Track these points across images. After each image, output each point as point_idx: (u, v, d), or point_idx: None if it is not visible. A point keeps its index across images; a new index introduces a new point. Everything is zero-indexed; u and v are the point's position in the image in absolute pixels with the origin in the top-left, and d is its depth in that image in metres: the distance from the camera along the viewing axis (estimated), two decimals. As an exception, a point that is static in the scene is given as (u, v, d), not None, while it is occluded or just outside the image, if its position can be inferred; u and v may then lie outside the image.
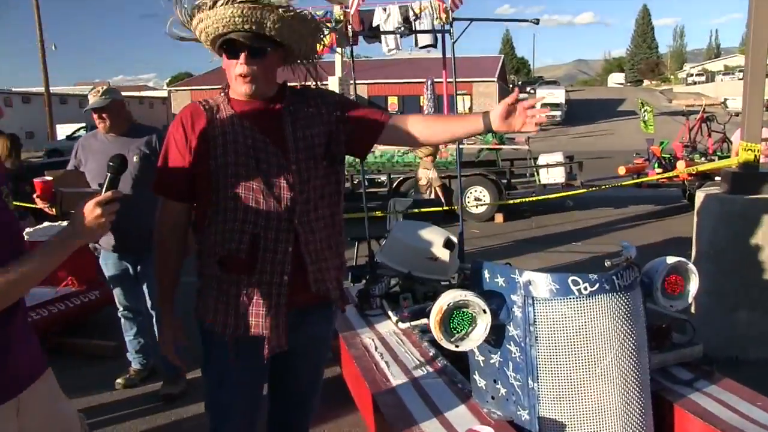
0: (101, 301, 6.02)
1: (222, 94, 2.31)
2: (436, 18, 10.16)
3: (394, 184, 11.54)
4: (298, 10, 2.18)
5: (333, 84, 15.63)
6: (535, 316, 2.40)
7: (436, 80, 11.81)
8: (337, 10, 12.11)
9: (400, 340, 3.59)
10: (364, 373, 3.19)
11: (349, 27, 7.67)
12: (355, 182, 12.18)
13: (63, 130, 36.27)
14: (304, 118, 2.29)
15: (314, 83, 2.44)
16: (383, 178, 11.89)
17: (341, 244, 2.44)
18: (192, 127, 2.23)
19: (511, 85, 66.08)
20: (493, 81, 46.79)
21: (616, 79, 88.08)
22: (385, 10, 11.98)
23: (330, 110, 2.34)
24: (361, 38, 12.67)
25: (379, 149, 11.74)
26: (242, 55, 2.15)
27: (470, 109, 43.25)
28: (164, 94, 55.33)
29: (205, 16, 2.13)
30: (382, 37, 11.72)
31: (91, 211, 1.77)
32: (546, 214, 11.70)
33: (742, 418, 2.54)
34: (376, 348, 3.51)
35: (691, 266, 2.78)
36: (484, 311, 2.42)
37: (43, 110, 34.33)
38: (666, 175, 10.20)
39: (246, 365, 2.28)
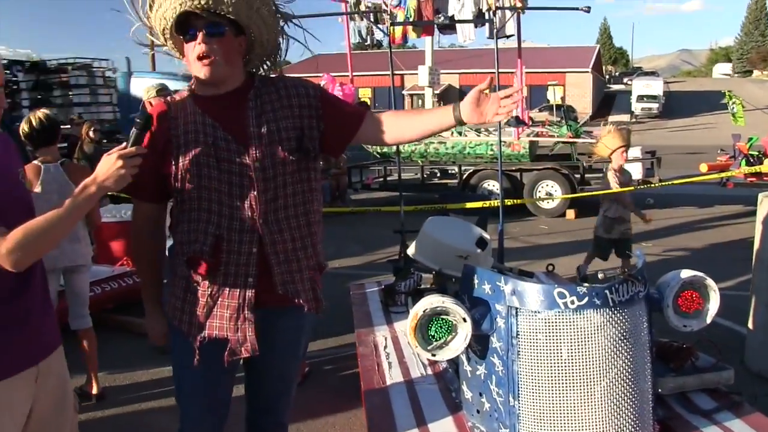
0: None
1: (187, 91, 2.23)
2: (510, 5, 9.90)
3: (464, 176, 11.31)
4: None
5: (423, 73, 15.41)
6: (518, 328, 2.23)
7: (526, 71, 11.49)
8: (411, 1, 12.06)
9: (413, 340, 3.46)
10: (363, 372, 3.11)
11: (387, 17, 7.56)
12: (426, 174, 12.06)
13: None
14: (272, 110, 2.17)
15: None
16: (455, 169, 11.69)
17: (317, 243, 2.31)
18: (158, 126, 2.15)
19: (607, 76, 64.06)
20: (587, 71, 45.37)
21: (722, 69, 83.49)
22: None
23: (303, 103, 2.21)
24: (436, 29, 12.58)
25: (450, 140, 11.54)
26: (200, 35, 2.06)
27: (562, 99, 42.11)
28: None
29: (162, 1, 2.07)
30: (458, 26, 11.54)
31: (113, 162, 1.88)
32: (623, 211, 11.17)
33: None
34: (385, 347, 3.41)
35: (711, 282, 2.51)
36: (464, 320, 2.27)
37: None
38: (746, 170, 9.54)
39: (209, 366, 2.20)
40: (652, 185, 10.22)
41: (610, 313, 2.19)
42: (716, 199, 11.71)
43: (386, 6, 11.39)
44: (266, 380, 2.41)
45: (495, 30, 4.77)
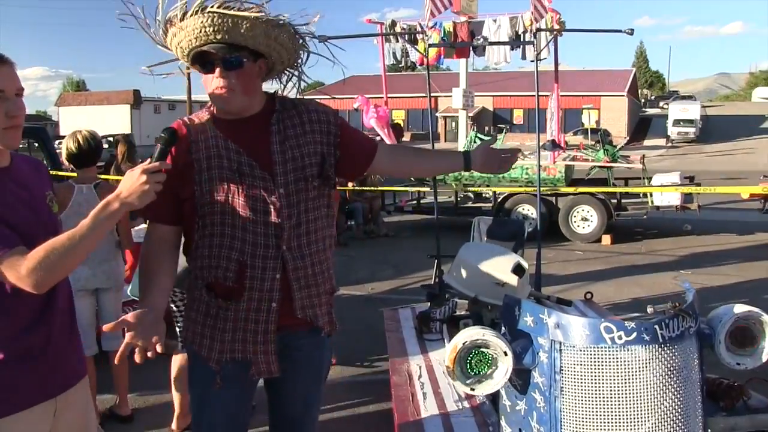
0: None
1: (206, 112, 2.20)
2: (546, 27, 9.83)
3: (499, 200, 11.19)
4: (272, 16, 2.06)
5: (456, 95, 15.44)
6: (561, 363, 2.13)
7: (561, 94, 11.38)
8: (447, 23, 12.07)
9: (448, 370, 3.37)
10: (397, 403, 3.03)
11: (425, 39, 7.54)
12: (460, 197, 11.97)
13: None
14: (294, 135, 2.17)
15: (299, 95, 2.33)
16: (489, 193, 11.58)
17: (331, 267, 2.33)
18: (176, 147, 2.09)
19: (642, 100, 63.38)
20: (623, 95, 45.01)
21: (761, 93, 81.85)
22: (495, 21, 11.76)
23: (323, 129, 2.22)
24: (471, 51, 12.56)
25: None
26: (217, 69, 2.05)
27: (597, 122, 41.87)
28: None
29: (178, 30, 2.05)
30: (488, 49, 11.51)
31: (137, 178, 1.81)
32: (660, 237, 10.98)
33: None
34: (419, 377, 3.33)
35: (766, 318, 2.38)
36: (505, 353, 2.18)
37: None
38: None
39: (231, 389, 2.19)
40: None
41: (660, 349, 2.08)
42: (756, 226, 11.40)
43: (421, 27, 11.40)
44: (290, 404, 2.36)
45: (536, 53, 4.68)
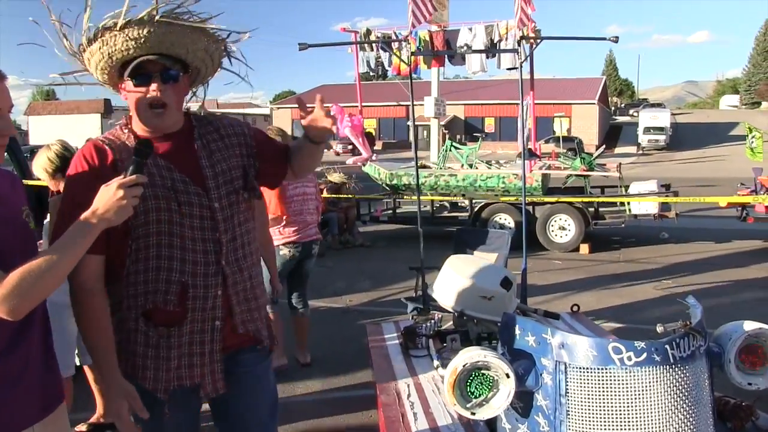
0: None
1: (125, 131, 2.07)
2: (523, 35, 9.81)
3: (476, 209, 11.10)
4: (212, 31, 2.03)
5: (428, 104, 15.40)
6: (567, 385, 2.02)
7: (534, 102, 11.36)
8: (422, 32, 12.01)
9: (438, 388, 3.24)
10: (387, 424, 2.88)
11: (406, 47, 7.48)
12: (436, 206, 11.87)
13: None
14: (218, 150, 2.14)
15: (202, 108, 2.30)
16: (465, 202, 11.48)
17: (262, 279, 2.32)
18: (100, 168, 1.96)
19: (613, 108, 64.02)
20: (593, 103, 45.42)
21: (728, 101, 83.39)
22: (470, 30, 11.73)
23: (241, 142, 2.20)
24: (446, 59, 12.52)
25: (461, 172, 11.36)
26: (155, 83, 1.95)
27: (569, 131, 42.16)
28: (267, 111, 57.05)
29: (111, 39, 1.91)
30: (466, 57, 11.47)
31: (113, 193, 1.73)
32: (638, 246, 10.97)
33: None
34: (408, 395, 3.19)
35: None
36: (507, 375, 2.06)
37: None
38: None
39: (181, 416, 2.11)
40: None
41: (671, 370, 1.97)
42: (734, 234, 11.48)
43: (396, 36, 11.34)
44: (245, 421, 2.26)
45: (521, 60, 4.59)
